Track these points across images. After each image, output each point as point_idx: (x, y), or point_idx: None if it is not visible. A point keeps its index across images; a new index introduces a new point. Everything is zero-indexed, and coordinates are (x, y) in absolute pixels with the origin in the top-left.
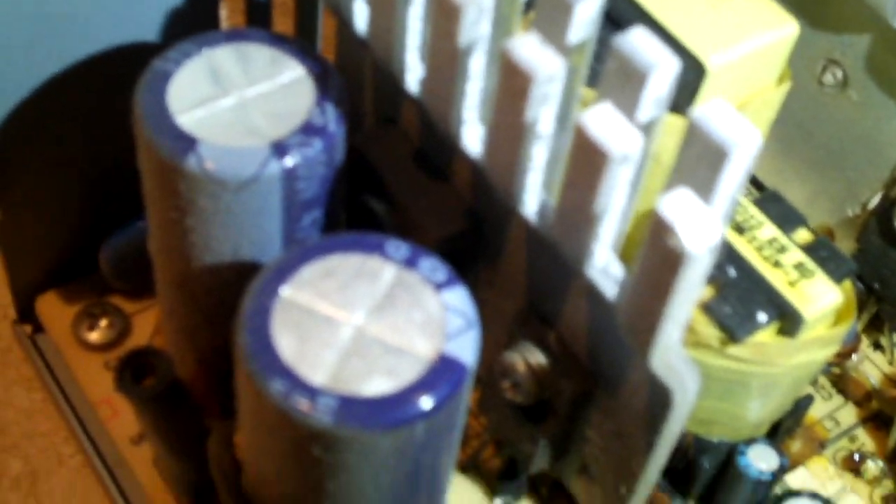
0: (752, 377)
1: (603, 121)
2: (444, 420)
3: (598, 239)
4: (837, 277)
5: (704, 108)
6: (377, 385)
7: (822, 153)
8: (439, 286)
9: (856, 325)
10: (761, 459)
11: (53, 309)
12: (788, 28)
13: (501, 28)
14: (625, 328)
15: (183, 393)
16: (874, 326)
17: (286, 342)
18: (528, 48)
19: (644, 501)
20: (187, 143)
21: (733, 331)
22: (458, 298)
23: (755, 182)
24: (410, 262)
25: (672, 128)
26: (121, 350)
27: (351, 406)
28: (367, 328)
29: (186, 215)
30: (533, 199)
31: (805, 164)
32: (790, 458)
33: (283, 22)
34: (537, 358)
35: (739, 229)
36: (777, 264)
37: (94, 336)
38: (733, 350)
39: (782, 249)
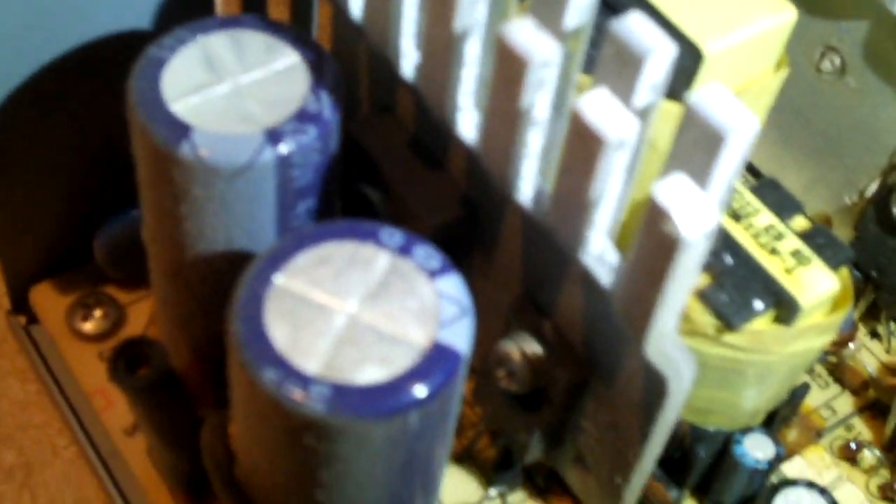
0: (747, 365)
1: (599, 106)
2: (438, 408)
3: (593, 225)
4: (834, 265)
5: (701, 93)
6: (371, 373)
7: (819, 140)
8: (433, 274)
9: (852, 314)
10: (757, 448)
11: (47, 299)
12: (786, 14)
13: (497, 13)
14: (620, 315)
15: (176, 383)
16: (871, 315)
17: (279, 331)
18: (524, 33)
19: (639, 491)
20: (181, 130)
21: (729, 318)
22: (453, 286)
23: (752, 169)
24: (404, 250)
25: (669, 114)
26: (115, 340)
27: (344, 394)
28: (361, 316)
29: (180, 203)
30: (528, 185)
31: (802, 152)
32: (786, 447)
33: (279, 9)
34: (532, 347)
35: (736, 216)
36: (774, 251)
37: (88, 326)
38: (729, 338)
39: (779, 237)
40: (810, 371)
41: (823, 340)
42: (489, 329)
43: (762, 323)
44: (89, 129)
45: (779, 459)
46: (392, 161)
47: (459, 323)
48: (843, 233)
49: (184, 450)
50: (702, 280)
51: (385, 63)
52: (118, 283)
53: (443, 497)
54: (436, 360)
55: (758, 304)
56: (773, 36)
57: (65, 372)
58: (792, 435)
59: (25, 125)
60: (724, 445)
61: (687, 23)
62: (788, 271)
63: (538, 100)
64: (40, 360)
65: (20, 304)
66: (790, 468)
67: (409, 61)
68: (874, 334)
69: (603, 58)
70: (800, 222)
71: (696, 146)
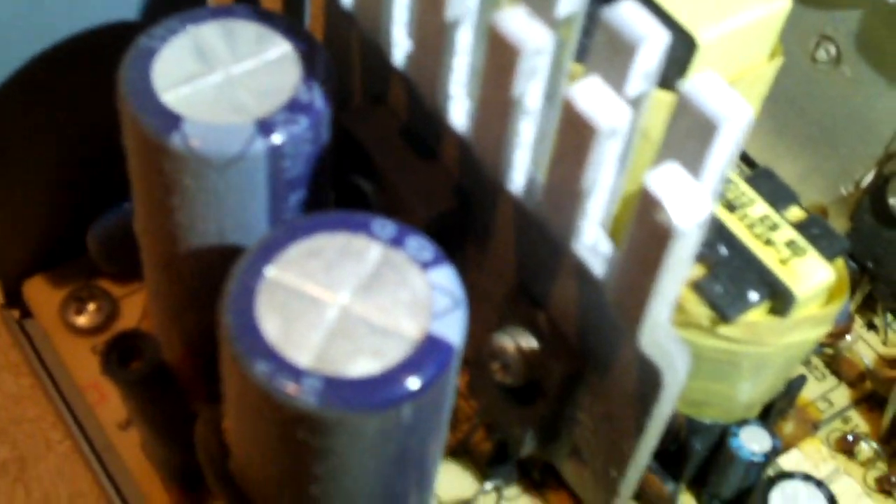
0: (743, 357)
1: (591, 94)
2: (431, 401)
3: (586, 215)
4: (830, 255)
5: (694, 81)
6: (363, 366)
7: (815, 130)
8: (426, 265)
9: (848, 305)
10: (753, 441)
11: (41, 293)
12: (780, 2)
13: (489, 1)
14: (613, 306)
15: (169, 376)
16: (868, 306)
17: (271, 323)
18: (516, 21)
19: (635, 484)
20: (172, 120)
21: (724, 310)
22: (445, 277)
23: (748, 160)
24: (397, 241)
25: (662, 104)
26: (109, 334)
27: (336, 387)
28: (353, 308)
29: (171, 195)
30: (521, 175)
31: (798, 142)
32: (783, 440)
33: None
34: (526, 339)
35: (731, 207)
36: (769, 242)
37: (81, 320)
38: (724, 330)
39: (774, 227)
40: (807, 363)
41: (819, 332)
42: (484, 321)
43: (757, 314)
44: (82, 121)
45: (775, 452)
46: (385, 151)
47: (452, 315)
48: (839, 223)
49: (177, 443)
50: (696, 271)
51: (377, 52)
52: (112, 277)
53: (438, 491)
54: (428, 352)
55: (753, 296)
56: (767, 24)
57: (59, 366)
58: (788, 427)
59: (17, 118)
60: (721, 438)
61: (680, 11)
62: (783, 262)
63: (530, 88)
64: (34, 355)
65: (13, 298)
66: (787, 461)
67: (400, 50)
68: (871, 326)
69: (595, 46)
70: (795, 213)
71: (688, 135)
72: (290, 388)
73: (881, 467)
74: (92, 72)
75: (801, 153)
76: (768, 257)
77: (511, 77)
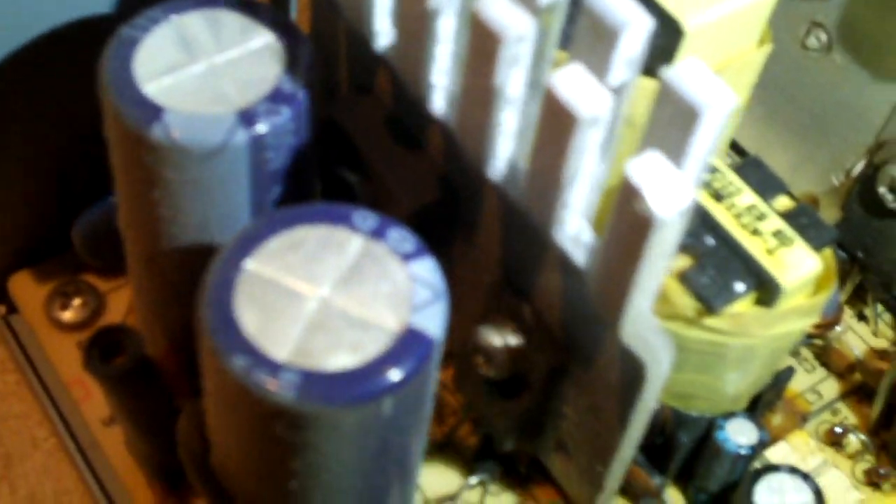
0: (729, 349)
1: (572, 82)
2: (412, 395)
3: (568, 205)
4: (818, 245)
5: (677, 68)
6: (342, 359)
7: (806, 119)
8: (407, 257)
9: (837, 296)
10: (740, 434)
11: (26, 288)
12: None
13: None
14: (595, 297)
15: (152, 371)
16: (858, 297)
17: (249, 316)
18: (498, 8)
19: (620, 478)
20: (153, 111)
21: (710, 301)
22: (426, 269)
23: (738, 148)
24: (378, 233)
25: (648, 92)
26: (94, 329)
27: (314, 381)
28: (333, 301)
29: (153, 187)
30: (504, 165)
31: (789, 131)
32: (771, 432)
33: None
34: (511, 332)
35: (718, 196)
36: (755, 232)
37: (67, 315)
38: (710, 321)
39: (761, 217)
40: (796, 354)
41: (806, 323)
42: (470, 314)
43: (743, 305)
44: (67, 114)
45: (762, 445)
46: (370, 142)
47: (432, 307)
48: (830, 213)
49: (159, 439)
50: (683, 262)
51: (362, 42)
52: (98, 271)
53: (423, 485)
54: (408, 345)
55: (739, 286)
56: (755, 11)
57: (44, 362)
58: (777, 420)
59: (1, 113)
60: (707, 431)
61: None
62: (770, 252)
63: (512, 76)
64: (20, 351)
65: None
66: (774, 453)
67: (384, 39)
68: (861, 317)
69: (578, 32)
70: (783, 202)
71: (671, 123)
72: (268, 382)
73: (869, 459)
74: (78, 64)
75: (793, 142)
76: (755, 247)
77: (493, 65)
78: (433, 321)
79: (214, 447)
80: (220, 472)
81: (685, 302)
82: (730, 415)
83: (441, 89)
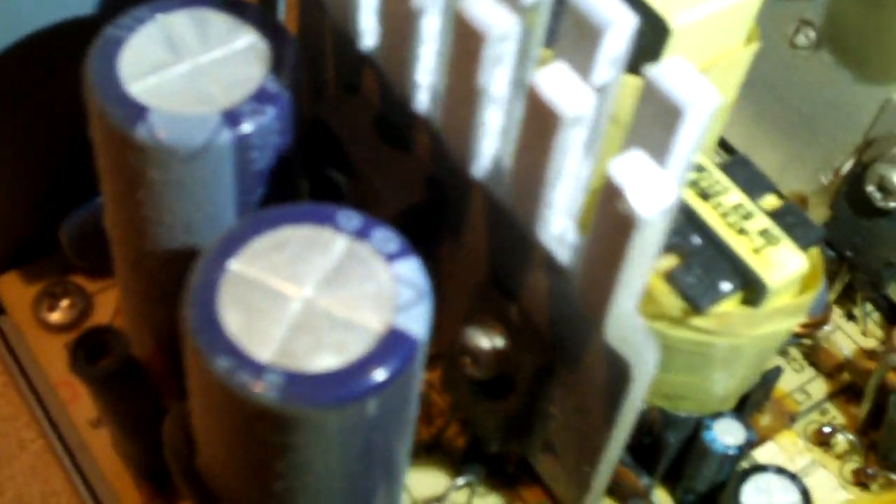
0: (716, 348)
1: (556, 81)
2: (396, 396)
3: (552, 204)
4: (804, 244)
5: (661, 67)
6: (325, 360)
7: (795, 117)
8: (391, 257)
9: (825, 295)
10: (727, 434)
11: (14, 289)
12: None
13: None
14: (580, 297)
15: (138, 373)
16: (847, 296)
17: (233, 317)
18: (481, 6)
19: (607, 478)
20: (137, 111)
21: (696, 300)
22: (410, 270)
23: (728, 147)
24: (362, 234)
25: (636, 91)
26: (82, 330)
27: (298, 382)
28: (316, 302)
29: (138, 188)
30: (489, 165)
31: (778, 129)
32: (759, 432)
33: None
34: (497, 332)
35: (704, 195)
36: (742, 231)
37: (54, 317)
38: (697, 321)
39: (748, 216)
40: (784, 354)
41: (793, 322)
42: (458, 314)
43: (730, 304)
44: (53, 115)
45: (750, 445)
46: (358, 142)
47: (417, 307)
48: (819, 212)
49: (146, 441)
50: (669, 261)
51: (348, 41)
52: (85, 272)
53: (411, 486)
54: (392, 345)
55: (725, 286)
56: (742, 9)
57: (32, 363)
58: (765, 420)
59: None
60: (695, 431)
61: None
62: (756, 251)
63: (496, 75)
64: (7, 352)
65: None
66: (762, 453)
67: (370, 38)
68: (850, 316)
69: (562, 31)
70: (770, 201)
71: (654, 121)
72: (252, 383)
73: (858, 459)
74: (65, 64)
75: (782, 141)
76: (741, 247)
77: (477, 63)
78: (417, 322)
79: (200, 448)
80: (206, 474)
81: (671, 301)
82: (717, 415)
83: (426, 88)
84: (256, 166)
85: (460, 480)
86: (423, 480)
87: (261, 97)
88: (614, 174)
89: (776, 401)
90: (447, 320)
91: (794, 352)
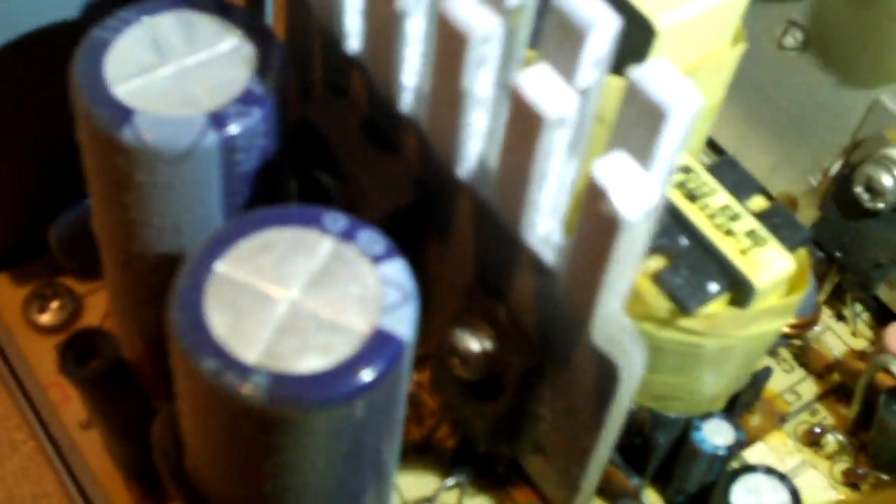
0: (704, 349)
1: (539, 82)
2: (383, 397)
3: (538, 205)
4: (791, 245)
5: (644, 68)
6: (312, 362)
7: (783, 119)
8: (377, 259)
9: (813, 295)
10: (717, 434)
11: (4, 291)
12: None
13: None
14: (565, 298)
15: (128, 374)
16: (837, 297)
17: (219, 319)
18: (464, 8)
19: (597, 479)
20: (123, 113)
21: (684, 302)
22: (396, 271)
23: (718, 149)
24: (348, 235)
25: (621, 92)
26: (72, 332)
27: (284, 384)
28: (303, 304)
29: (125, 190)
30: (474, 166)
31: (767, 131)
32: (749, 433)
33: None
34: (485, 333)
35: (692, 197)
36: (729, 232)
37: (44, 318)
38: (684, 322)
39: (735, 217)
40: (774, 355)
41: (780, 323)
42: (447, 315)
43: (717, 306)
44: (43, 117)
45: (739, 445)
46: (345, 144)
47: (402, 309)
48: (809, 213)
49: (135, 442)
50: (657, 262)
51: (335, 43)
52: (75, 274)
53: (402, 487)
54: (378, 347)
55: (712, 287)
56: (727, 10)
57: (22, 365)
58: (755, 420)
59: None
60: (684, 432)
61: None
62: (743, 252)
63: (481, 77)
64: None
65: None
66: (752, 454)
67: (355, 40)
68: (840, 317)
69: (546, 32)
70: (758, 202)
71: (638, 123)
72: (238, 384)
73: (848, 460)
74: (52, 66)
75: (771, 142)
76: (728, 248)
77: (460, 65)
78: (403, 323)
79: (188, 450)
80: (195, 475)
81: (659, 303)
82: (707, 415)
83: (412, 90)
84: (243, 168)
85: (450, 481)
86: (414, 481)
87: (247, 99)
88: (598, 176)
89: (766, 401)
90: (436, 321)
91: (784, 352)
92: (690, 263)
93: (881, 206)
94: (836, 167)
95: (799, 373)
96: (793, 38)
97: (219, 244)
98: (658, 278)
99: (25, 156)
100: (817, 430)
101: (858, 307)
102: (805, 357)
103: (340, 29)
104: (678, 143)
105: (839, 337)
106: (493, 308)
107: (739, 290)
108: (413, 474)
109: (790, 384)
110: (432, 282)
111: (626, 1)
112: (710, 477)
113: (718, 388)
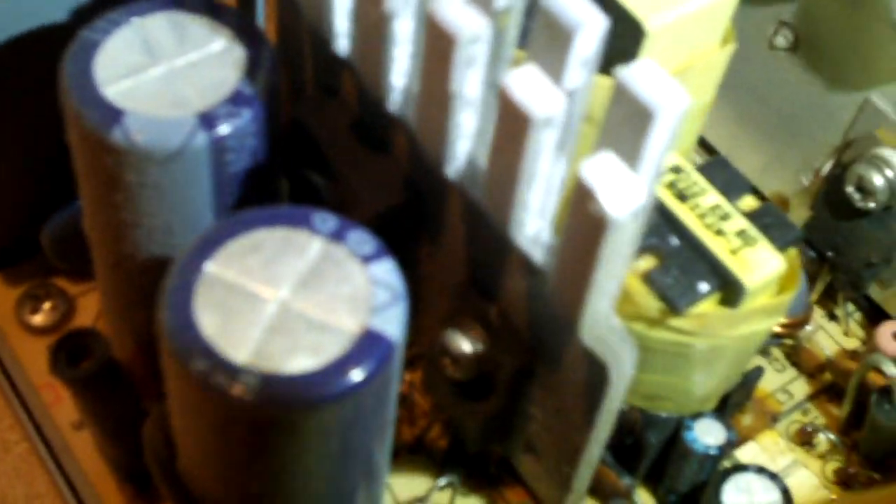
0: (694, 349)
1: (526, 83)
2: (372, 397)
3: (526, 205)
4: (782, 244)
5: (631, 69)
6: (301, 362)
7: (775, 119)
8: (366, 259)
9: (805, 295)
10: (708, 434)
11: None
12: None
13: None
14: (554, 298)
15: (119, 375)
16: (829, 297)
17: (208, 319)
18: (452, 8)
19: (588, 479)
20: (113, 114)
21: (674, 301)
22: (386, 271)
23: (710, 149)
24: (338, 235)
25: (611, 93)
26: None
27: (274, 384)
28: (292, 304)
29: (115, 191)
30: (464, 166)
31: (759, 131)
32: (741, 432)
33: None
34: (476, 333)
35: (682, 197)
36: (719, 232)
37: (37, 319)
38: (675, 321)
39: (725, 217)
40: (766, 354)
41: (771, 323)
42: (438, 316)
43: (708, 305)
44: (37, 119)
45: (730, 445)
46: (336, 144)
47: (392, 309)
48: (801, 213)
49: (127, 443)
50: (647, 262)
51: (325, 43)
52: (68, 275)
53: (394, 487)
54: (367, 347)
55: (703, 287)
56: (717, 10)
57: (15, 365)
58: (747, 420)
59: None
60: (676, 431)
61: None
62: (734, 252)
63: (469, 77)
64: None
65: None
66: (744, 453)
67: (344, 40)
68: (832, 316)
69: (534, 33)
70: (748, 202)
71: (625, 123)
72: (227, 385)
73: (839, 459)
74: (43, 68)
75: (763, 142)
76: (719, 247)
77: (449, 66)
78: (392, 323)
79: (180, 450)
80: (186, 476)
81: (649, 302)
82: (698, 415)
83: (401, 91)
84: (233, 168)
85: (442, 481)
86: (406, 481)
87: (236, 100)
88: (585, 176)
89: (758, 401)
90: (427, 321)
91: (776, 352)
92: (680, 263)
93: (872, 205)
94: (827, 167)
95: (791, 372)
96: (784, 39)
97: (208, 244)
98: (648, 278)
99: (18, 157)
100: (809, 429)
101: (850, 307)
102: (797, 356)
103: (330, 30)
104: (666, 143)
105: (831, 336)
106: (484, 308)
107: (730, 290)
108: (405, 474)
109: (782, 383)
110: (423, 282)
111: (615, 2)
112: (702, 476)
113: (709, 388)
